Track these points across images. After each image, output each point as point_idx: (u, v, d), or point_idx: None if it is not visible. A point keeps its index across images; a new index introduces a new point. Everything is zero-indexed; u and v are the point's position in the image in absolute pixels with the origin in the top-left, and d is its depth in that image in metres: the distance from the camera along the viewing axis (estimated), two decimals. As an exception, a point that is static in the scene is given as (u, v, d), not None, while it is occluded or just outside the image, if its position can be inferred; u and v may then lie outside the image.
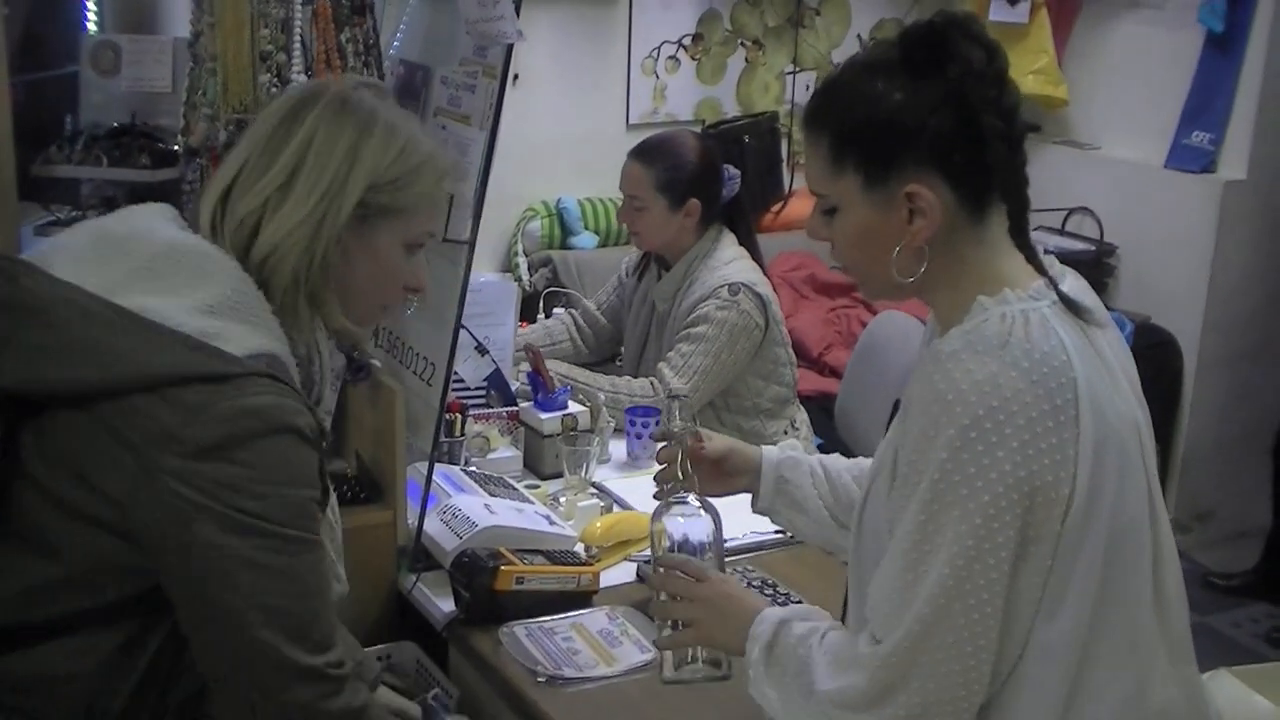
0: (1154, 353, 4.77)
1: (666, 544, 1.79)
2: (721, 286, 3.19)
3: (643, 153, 3.32)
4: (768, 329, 3.24)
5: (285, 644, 1.51)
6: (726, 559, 1.86)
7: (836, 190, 1.56)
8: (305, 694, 1.53)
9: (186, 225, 1.67)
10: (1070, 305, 1.51)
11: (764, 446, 2.04)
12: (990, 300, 1.50)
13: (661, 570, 1.76)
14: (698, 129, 5.06)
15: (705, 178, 3.28)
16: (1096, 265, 5.01)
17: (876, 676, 1.47)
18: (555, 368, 3.13)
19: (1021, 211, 1.55)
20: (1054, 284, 1.53)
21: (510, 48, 2.29)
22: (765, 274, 3.33)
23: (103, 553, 1.51)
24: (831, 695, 1.52)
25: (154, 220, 1.67)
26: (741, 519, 2.34)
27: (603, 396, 3.07)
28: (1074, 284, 1.58)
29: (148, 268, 1.57)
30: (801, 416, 3.49)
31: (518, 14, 2.26)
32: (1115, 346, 1.56)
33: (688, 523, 1.80)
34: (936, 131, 1.50)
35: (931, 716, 1.46)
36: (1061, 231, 5.11)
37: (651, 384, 3.15)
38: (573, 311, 3.70)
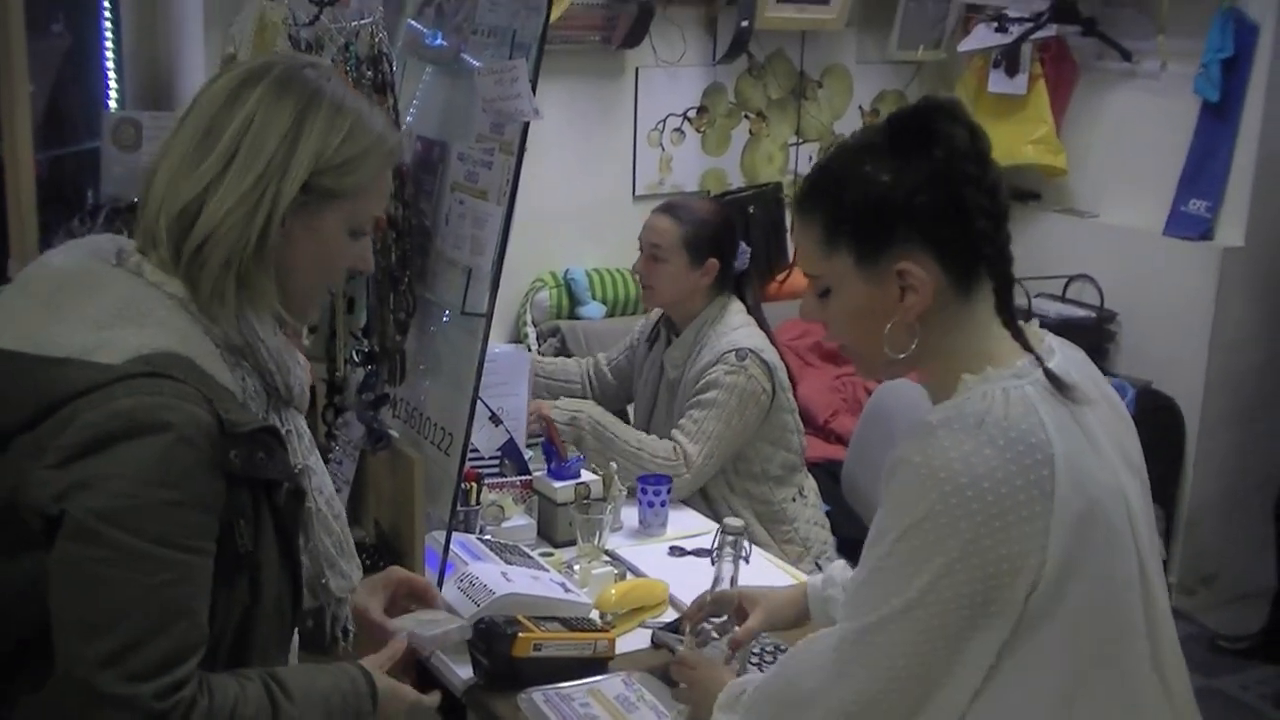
0: (1156, 417, 4.80)
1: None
2: (729, 351, 3.25)
3: (671, 208, 3.44)
4: (774, 396, 3.29)
5: (95, 666, 1.42)
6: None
7: (829, 269, 1.62)
8: None
9: (100, 253, 1.62)
10: (1055, 383, 1.56)
11: (808, 582, 2.18)
12: (973, 378, 1.55)
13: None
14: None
15: (726, 241, 3.38)
16: (1097, 332, 5.06)
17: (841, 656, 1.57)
18: (591, 410, 3.21)
19: (1007, 288, 1.61)
20: (1040, 361, 1.58)
21: (526, 125, 2.35)
22: (773, 342, 3.39)
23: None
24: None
25: (63, 256, 1.64)
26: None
27: (630, 449, 3.13)
28: (1064, 359, 1.62)
29: (48, 303, 1.56)
30: (810, 484, 3.53)
31: (534, 92, 2.32)
32: (1108, 420, 1.61)
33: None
34: (925, 208, 1.55)
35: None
36: (1062, 299, 5.16)
37: (674, 449, 3.20)
38: (592, 360, 3.79)
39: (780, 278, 5.37)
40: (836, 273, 1.61)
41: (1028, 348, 1.60)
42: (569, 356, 4.58)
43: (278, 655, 1.69)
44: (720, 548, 2.17)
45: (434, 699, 1.83)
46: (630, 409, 3.74)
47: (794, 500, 3.43)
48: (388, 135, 1.69)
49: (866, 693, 1.54)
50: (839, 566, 2.17)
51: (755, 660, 2.31)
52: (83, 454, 1.45)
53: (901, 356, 1.59)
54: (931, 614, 1.48)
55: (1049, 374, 1.56)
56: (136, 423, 1.45)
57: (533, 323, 4.99)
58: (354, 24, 2.39)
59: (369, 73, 2.41)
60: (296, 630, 1.81)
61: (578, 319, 5.02)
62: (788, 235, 5.43)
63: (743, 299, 3.43)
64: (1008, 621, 1.49)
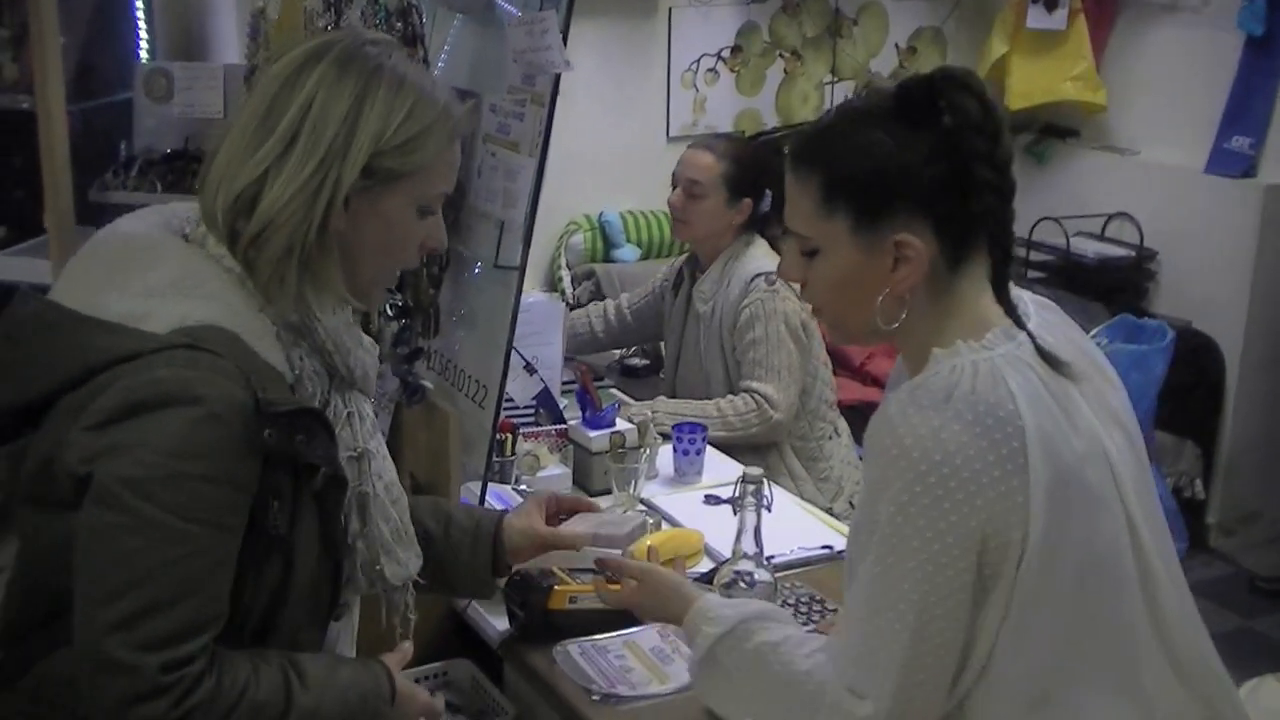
0: (1196, 357, 4.77)
1: None
2: (757, 276, 3.30)
3: (712, 145, 3.48)
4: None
5: (107, 631, 1.44)
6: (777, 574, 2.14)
7: (822, 232, 1.59)
8: (114, 689, 1.44)
9: (172, 222, 1.63)
10: (1050, 361, 1.54)
11: None
12: (943, 352, 1.53)
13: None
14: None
15: (761, 183, 3.40)
16: (1137, 270, 5.01)
17: None
18: (664, 406, 3.27)
19: (1005, 262, 1.59)
20: (1033, 338, 1.55)
21: (558, 77, 2.33)
22: None
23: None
24: None
25: (134, 221, 1.65)
26: (788, 535, 2.39)
27: (714, 418, 3.20)
28: (1041, 323, 1.59)
29: (111, 266, 1.58)
30: (843, 424, 3.55)
31: (565, 43, 2.31)
32: (1092, 385, 1.59)
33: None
34: (930, 181, 1.53)
35: None
36: (1101, 237, 5.11)
37: (752, 398, 3.24)
38: (611, 302, 3.87)
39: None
40: (829, 236, 1.58)
41: (1021, 325, 1.57)
42: (602, 299, 4.60)
43: (309, 638, 1.69)
44: (742, 496, 2.16)
45: (440, 703, 1.84)
46: (659, 355, 3.78)
47: (829, 439, 3.46)
48: (452, 109, 1.66)
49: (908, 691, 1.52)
50: None
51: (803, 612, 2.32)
52: (115, 419, 1.47)
53: (893, 326, 1.57)
54: (946, 609, 1.48)
55: (1042, 353, 1.54)
56: (168, 394, 1.47)
57: (567, 266, 4.99)
58: (382, -24, 2.38)
59: (398, 24, 2.40)
60: (355, 617, 1.83)
61: (612, 262, 5.02)
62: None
63: (766, 238, 3.46)
64: (1003, 595, 1.49)
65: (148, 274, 1.55)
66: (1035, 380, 1.51)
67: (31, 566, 1.56)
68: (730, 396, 3.29)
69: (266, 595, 1.59)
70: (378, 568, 1.76)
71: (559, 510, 2.14)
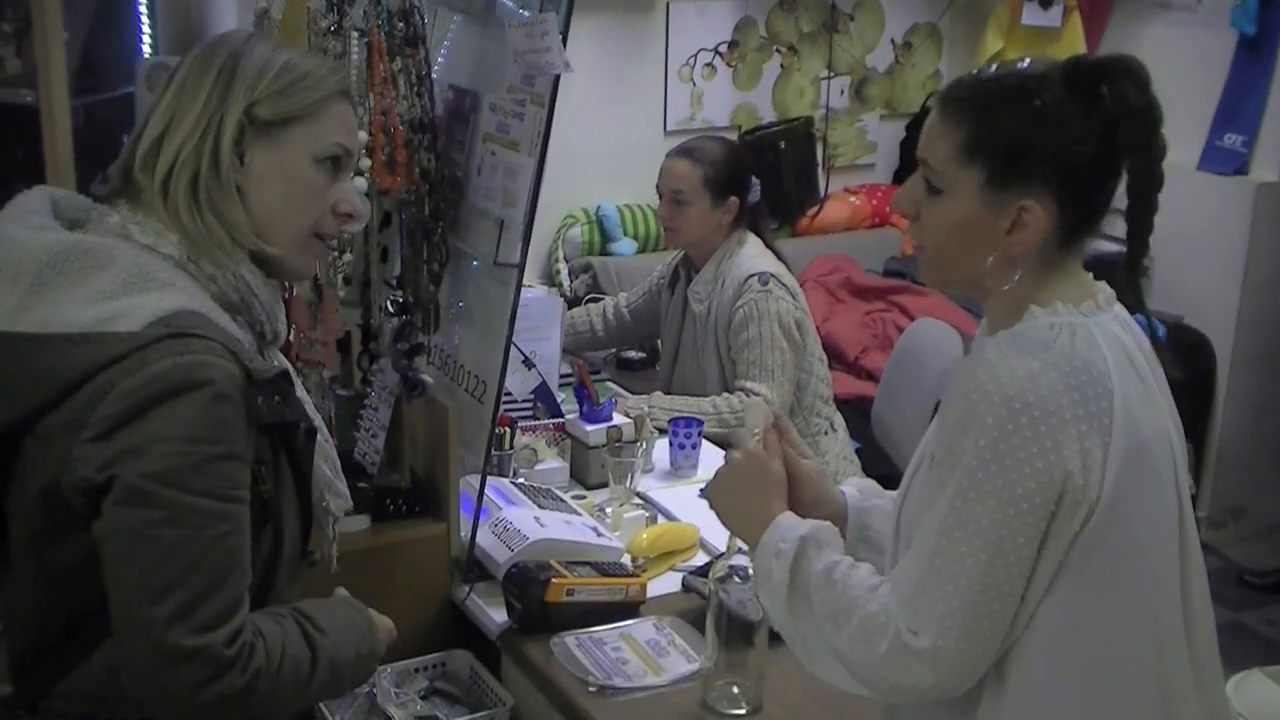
0: (1187, 353, 4.81)
1: None
2: (751, 276, 3.33)
3: (688, 151, 3.48)
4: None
5: (164, 624, 1.46)
6: None
7: (954, 177, 1.60)
8: (185, 676, 1.48)
9: (56, 209, 1.66)
10: (1156, 344, 1.61)
11: (845, 489, 1.98)
12: (1041, 310, 1.57)
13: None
14: (734, 135, 5.15)
15: (743, 179, 3.45)
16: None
17: (940, 675, 1.53)
18: (659, 402, 3.30)
19: (1140, 255, 1.61)
20: (1147, 315, 1.62)
21: (558, 77, 2.36)
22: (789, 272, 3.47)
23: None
24: (878, 672, 1.56)
25: (25, 230, 1.62)
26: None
27: (709, 414, 3.23)
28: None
29: (38, 284, 1.55)
30: (839, 419, 3.58)
31: (564, 44, 2.33)
32: (1159, 374, 1.64)
33: None
34: (1077, 160, 1.55)
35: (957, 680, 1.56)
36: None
37: (749, 397, 3.27)
38: (610, 300, 3.90)
39: (811, 213, 5.38)
40: (959, 183, 1.59)
41: (1143, 310, 1.63)
42: (600, 293, 4.63)
43: (291, 591, 1.76)
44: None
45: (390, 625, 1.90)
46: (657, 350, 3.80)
47: (825, 434, 3.49)
48: (325, 67, 1.74)
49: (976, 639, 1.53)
50: (872, 487, 2.02)
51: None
52: (126, 421, 1.48)
53: (1004, 288, 1.59)
54: (1018, 554, 1.49)
55: (1154, 337, 1.61)
56: (176, 383, 1.49)
57: (565, 259, 5.02)
58: (385, -23, 2.40)
59: (400, 24, 2.42)
60: None
61: (609, 255, 5.05)
62: (818, 170, 5.44)
63: (757, 233, 3.50)
64: (1055, 554, 1.51)
65: (95, 278, 1.56)
66: (1124, 355, 1.55)
67: (39, 599, 1.59)
68: (725, 394, 3.32)
69: (265, 557, 1.64)
70: (324, 503, 1.84)
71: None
